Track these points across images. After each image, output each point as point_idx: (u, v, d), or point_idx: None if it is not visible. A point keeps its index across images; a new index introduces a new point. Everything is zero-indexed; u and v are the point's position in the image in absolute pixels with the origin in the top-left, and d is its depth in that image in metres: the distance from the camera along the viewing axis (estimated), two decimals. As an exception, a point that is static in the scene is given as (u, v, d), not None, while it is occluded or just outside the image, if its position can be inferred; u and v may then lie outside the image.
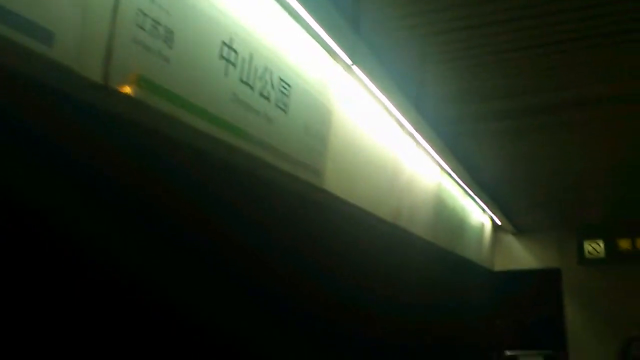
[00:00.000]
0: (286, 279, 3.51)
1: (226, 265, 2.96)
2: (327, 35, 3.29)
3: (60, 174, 2.03)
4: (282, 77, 3.06)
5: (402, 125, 4.61)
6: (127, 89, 2.14)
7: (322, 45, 3.46)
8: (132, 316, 2.34)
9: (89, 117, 2.14)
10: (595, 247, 9.72)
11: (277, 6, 3.01)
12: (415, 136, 4.81)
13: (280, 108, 3.06)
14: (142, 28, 2.14)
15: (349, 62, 3.61)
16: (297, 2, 2.94)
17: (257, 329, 3.22)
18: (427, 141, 4.94)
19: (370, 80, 3.89)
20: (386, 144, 4.57)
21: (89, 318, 2.13)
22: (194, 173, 2.75)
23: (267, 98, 2.93)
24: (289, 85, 3.12)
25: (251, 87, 2.81)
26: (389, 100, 4.18)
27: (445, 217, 6.61)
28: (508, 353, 10.04)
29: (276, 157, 3.08)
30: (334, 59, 3.63)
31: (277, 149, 3.06)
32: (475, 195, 7.18)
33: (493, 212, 8.62)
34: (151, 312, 2.44)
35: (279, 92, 3.04)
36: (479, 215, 8.38)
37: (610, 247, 9.67)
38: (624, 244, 9.61)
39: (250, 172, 3.07)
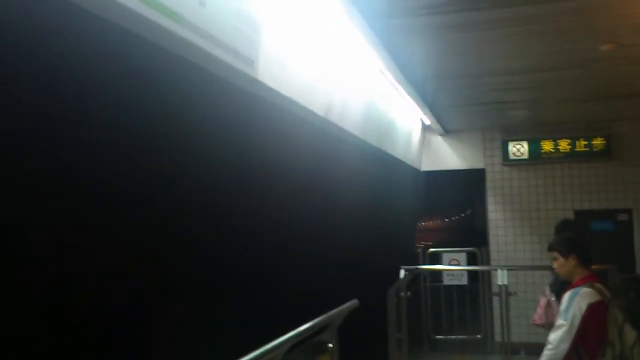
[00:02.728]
0: (216, 172, 3.51)
1: (154, 153, 2.93)
2: None
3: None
4: (214, -42, 2.95)
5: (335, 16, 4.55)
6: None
7: None
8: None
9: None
10: (519, 149, 10.06)
11: None
12: (348, 29, 4.76)
13: (212, -10, 2.97)
14: None
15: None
16: None
17: (187, 219, 3.24)
18: (361, 34, 4.89)
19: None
20: (319, 37, 4.52)
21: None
22: (124, 56, 2.67)
23: (198, -21, 2.83)
24: (220, -32, 3.02)
25: (182, -33, 2.70)
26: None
27: (376, 114, 6.66)
28: (432, 250, 10.39)
29: (209, 42, 3.00)
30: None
31: (209, 34, 2.98)
32: (406, 93, 7.23)
33: (422, 112, 8.72)
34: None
35: (211, -27, 2.94)
36: (408, 115, 8.48)
37: (533, 148, 10.03)
38: (547, 145, 9.97)
39: (180, 57, 3.00)
